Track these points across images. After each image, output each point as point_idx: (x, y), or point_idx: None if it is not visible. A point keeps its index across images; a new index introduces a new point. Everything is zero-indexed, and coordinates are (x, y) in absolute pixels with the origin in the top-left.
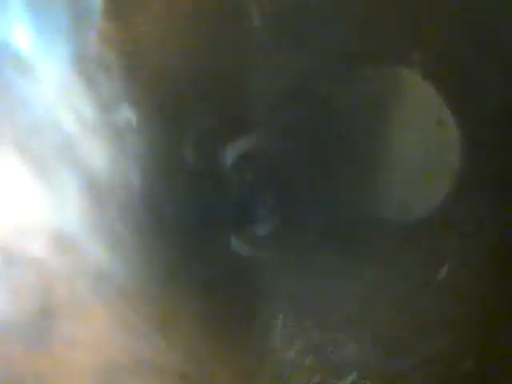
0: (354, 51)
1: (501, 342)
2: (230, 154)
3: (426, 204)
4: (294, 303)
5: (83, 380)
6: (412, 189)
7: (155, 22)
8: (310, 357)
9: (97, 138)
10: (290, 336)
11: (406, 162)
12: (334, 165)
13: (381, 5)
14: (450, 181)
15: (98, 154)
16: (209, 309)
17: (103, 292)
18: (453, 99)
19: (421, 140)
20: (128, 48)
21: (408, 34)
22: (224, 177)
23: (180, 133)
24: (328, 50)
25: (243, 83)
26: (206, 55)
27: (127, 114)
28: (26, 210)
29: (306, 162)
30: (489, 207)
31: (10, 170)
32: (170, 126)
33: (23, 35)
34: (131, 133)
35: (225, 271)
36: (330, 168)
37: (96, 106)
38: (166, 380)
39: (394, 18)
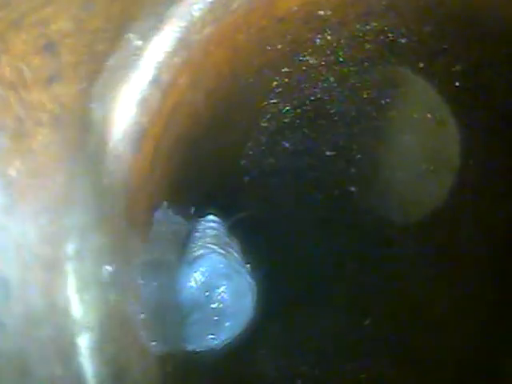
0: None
1: None
2: None
3: (427, 203)
4: None
5: None
6: (413, 188)
7: None
8: None
9: None
10: None
11: (408, 162)
12: None
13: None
14: (451, 180)
15: None
16: None
17: None
18: (455, 98)
19: (421, 140)
20: None
21: (410, 34)
22: None
23: None
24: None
25: None
26: None
27: None
28: None
29: None
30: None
31: None
32: None
33: None
34: None
35: None
36: None
37: None
38: None
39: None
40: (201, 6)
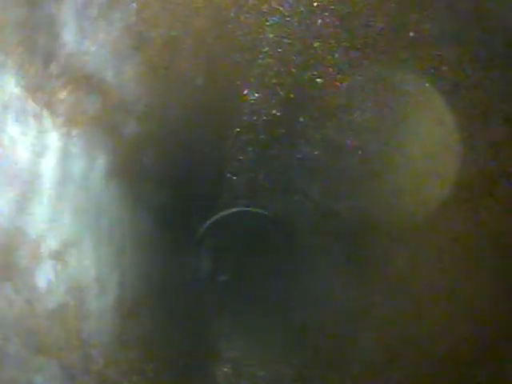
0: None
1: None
2: None
3: (428, 202)
4: None
5: None
6: (414, 188)
7: None
8: None
9: None
10: None
11: (409, 162)
12: None
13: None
14: (451, 179)
15: None
16: None
17: None
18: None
19: (422, 140)
20: None
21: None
22: None
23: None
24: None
25: None
26: None
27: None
28: None
29: None
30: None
31: None
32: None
33: None
34: None
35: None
36: None
37: None
38: None
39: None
40: None
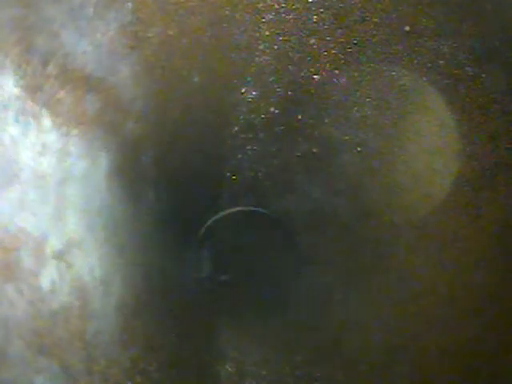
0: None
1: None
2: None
3: (428, 197)
4: None
5: None
6: (414, 184)
7: None
8: None
9: None
10: None
11: (408, 158)
12: None
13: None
14: (451, 174)
15: None
16: None
17: None
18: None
19: (421, 135)
20: None
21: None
22: None
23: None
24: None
25: None
26: None
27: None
28: None
29: None
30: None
31: None
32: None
33: None
34: None
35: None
36: None
37: None
38: None
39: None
40: None
